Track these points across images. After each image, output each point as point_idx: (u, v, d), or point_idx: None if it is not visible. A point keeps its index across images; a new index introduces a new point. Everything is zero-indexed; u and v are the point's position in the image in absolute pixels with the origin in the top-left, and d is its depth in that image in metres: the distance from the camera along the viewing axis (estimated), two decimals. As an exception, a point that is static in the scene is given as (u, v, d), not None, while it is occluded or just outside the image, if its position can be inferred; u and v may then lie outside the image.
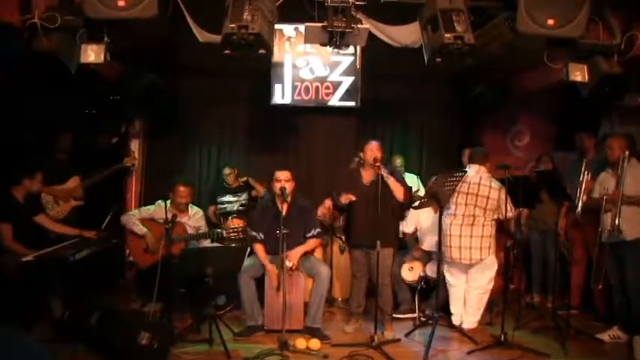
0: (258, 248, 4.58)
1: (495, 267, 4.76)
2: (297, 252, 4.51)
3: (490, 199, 4.57)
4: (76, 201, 5.42)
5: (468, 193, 4.63)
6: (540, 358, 3.97)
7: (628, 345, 4.20)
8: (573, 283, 4.95)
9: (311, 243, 4.64)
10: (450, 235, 4.63)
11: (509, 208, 4.49)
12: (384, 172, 4.33)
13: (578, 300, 5.13)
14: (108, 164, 5.79)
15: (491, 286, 4.75)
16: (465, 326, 4.69)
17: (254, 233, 4.63)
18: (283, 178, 4.48)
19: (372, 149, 4.49)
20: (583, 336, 4.46)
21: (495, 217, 4.62)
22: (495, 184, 4.62)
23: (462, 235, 4.60)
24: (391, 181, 4.40)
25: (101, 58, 3.78)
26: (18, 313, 3.75)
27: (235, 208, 6.03)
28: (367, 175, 4.61)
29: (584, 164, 4.76)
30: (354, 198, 4.45)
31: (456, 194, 4.61)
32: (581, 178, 4.70)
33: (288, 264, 4.37)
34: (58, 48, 3.78)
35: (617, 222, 4.19)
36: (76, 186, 5.41)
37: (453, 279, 4.82)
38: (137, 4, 3.55)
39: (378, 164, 4.31)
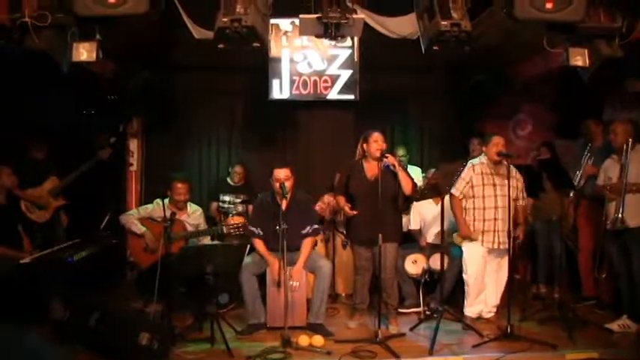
0: (258, 243, 4.50)
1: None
2: (299, 267, 4.39)
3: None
4: (57, 201, 5.23)
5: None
6: (547, 349, 3.89)
7: (638, 334, 4.14)
8: (582, 273, 4.87)
9: (307, 245, 4.47)
10: None
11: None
12: (395, 163, 4.23)
13: (592, 290, 4.91)
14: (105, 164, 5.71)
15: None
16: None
17: (252, 228, 4.55)
18: (282, 177, 4.34)
19: (378, 141, 4.32)
20: (591, 326, 4.39)
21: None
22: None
23: None
24: (401, 174, 4.29)
25: (93, 57, 3.73)
26: (17, 314, 3.71)
27: (235, 208, 5.95)
28: (371, 169, 4.40)
29: (587, 150, 4.70)
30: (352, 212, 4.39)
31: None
32: (582, 164, 4.65)
33: (295, 284, 4.31)
34: (50, 47, 3.74)
35: (620, 211, 4.12)
36: (53, 187, 5.20)
37: None
38: (128, 0, 3.50)
39: (387, 156, 4.20)
